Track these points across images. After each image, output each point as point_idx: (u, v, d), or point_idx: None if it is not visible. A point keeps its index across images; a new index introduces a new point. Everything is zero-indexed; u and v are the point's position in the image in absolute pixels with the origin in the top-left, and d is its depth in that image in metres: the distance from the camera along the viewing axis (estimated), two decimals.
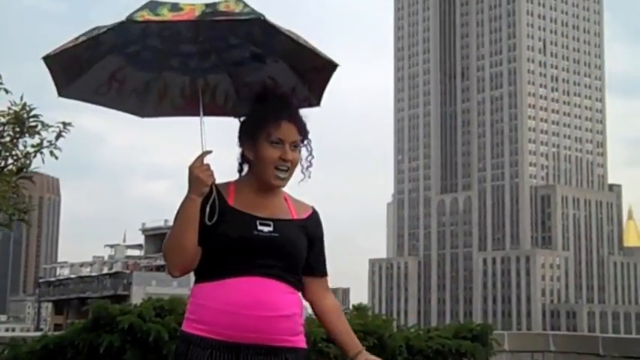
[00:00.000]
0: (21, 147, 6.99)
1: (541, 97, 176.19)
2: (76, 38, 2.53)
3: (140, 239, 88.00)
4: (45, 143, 6.95)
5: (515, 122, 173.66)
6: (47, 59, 2.58)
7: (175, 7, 2.43)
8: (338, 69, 2.58)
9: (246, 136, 2.65)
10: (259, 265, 2.52)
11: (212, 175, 2.53)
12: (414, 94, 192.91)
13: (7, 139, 6.95)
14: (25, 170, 7.00)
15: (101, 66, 2.72)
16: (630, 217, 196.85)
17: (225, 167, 2.70)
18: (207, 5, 2.43)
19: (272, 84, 2.74)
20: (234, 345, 2.48)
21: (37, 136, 6.94)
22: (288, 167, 2.59)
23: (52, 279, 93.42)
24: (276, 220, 2.59)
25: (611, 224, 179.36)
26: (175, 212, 2.55)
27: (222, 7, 2.40)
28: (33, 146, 6.96)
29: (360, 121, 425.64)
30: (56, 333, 7.35)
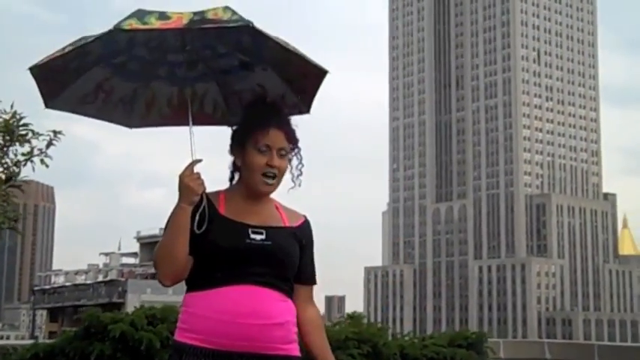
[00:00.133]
0: (11, 155, 6.96)
1: (536, 106, 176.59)
2: (63, 48, 2.50)
3: (135, 247, 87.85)
4: (35, 151, 6.93)
5: (510, 131, 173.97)
6: (33, 70, 2.56)
7: (163, 16, 2.41)
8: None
9: (236, 144, 2.64)
10: (252, 273, 2.51)
11: (202, 183, 2.51)
12: (408, 103, 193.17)
13: None
14: (14, 179, 6.97)
15: (88, 77, 2.70)
16: (625, 225, 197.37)
17: (217, 176, 2.70)
18: (195, 13, 2.41)
19: (261, 92, 2.71)
20: (227, 354, 2.46)
21: (27, 145, 6.92)
22: (275, 174, 2.59)
23: (47, 287, 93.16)
24: (269, 227, 2.58)
25: (606, 233, 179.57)
26: (166, 221, 2.54)
27: (210, 15, 2.39)
28: (23, 154, 6.93)
29: (356, 131, 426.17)
30: (47, 341, 7.33)
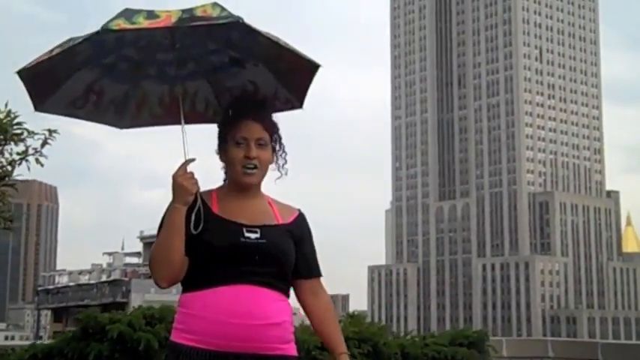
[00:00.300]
0: (7, 155, 6.93)
1: (538, 104, 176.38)
2: (51, 50, 2.47)
3: (138, 247, 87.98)
4: (30, 151, 6.89)
5: (512, 129, 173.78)
6: (22, 73, 2.53)
7: (151, 15, 2.38)
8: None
9: (219, 142, 2.64)
10: (247, 272, 2.49)
11: (196, 183, 2.50)
12: (410, 101, 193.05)
13: None
14: (8, 178, 6.93)
15: (77, 78, 2.67)
16: (629, 223, 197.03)
17: (211, 176, 2.66)
18: (183, 11, 2.39)
19: (253, 88, 2.71)
20: (223, 354, 2.45)
21: (22, 144, 6.88)
22: (254, 164, 2.57)
23: (51, 287, 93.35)
24: (263, 226, 2.56)
25: (609, 230, 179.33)
26: (159, 222, 2.52)
27: (199, 12, 2.37)
28: (18, 154, 6.90)
29: (358, 129, 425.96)
30: (45, 342, 7.25)
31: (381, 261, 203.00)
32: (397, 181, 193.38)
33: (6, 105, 6.85)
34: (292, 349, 2.54)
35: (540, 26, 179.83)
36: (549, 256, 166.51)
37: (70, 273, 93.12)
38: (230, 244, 2.50)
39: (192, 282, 2.51)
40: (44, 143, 6.88)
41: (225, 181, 2.68)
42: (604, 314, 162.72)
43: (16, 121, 6.83)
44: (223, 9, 2.37)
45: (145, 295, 62.15)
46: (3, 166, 6.91)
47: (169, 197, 2.51)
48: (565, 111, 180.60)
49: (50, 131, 6.84)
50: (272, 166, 2.66)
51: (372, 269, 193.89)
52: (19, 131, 6.88)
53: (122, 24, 2.34)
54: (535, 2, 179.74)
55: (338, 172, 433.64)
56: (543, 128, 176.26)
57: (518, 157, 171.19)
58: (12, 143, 6.92)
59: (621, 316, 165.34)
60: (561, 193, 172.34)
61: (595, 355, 9.70)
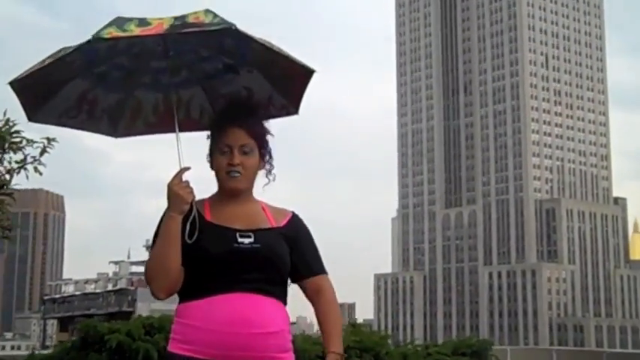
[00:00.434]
0: (6, 164, 6.88)
1: (544, 110, 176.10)
2: (43, 61, 2.46)
3: (145, 255, 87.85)
4: (29, 159, 6.86)
5: (518, 136, 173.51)
6: (13, 84, 2.52)
7: (143, 22, 2.37)
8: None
9: (209, 150, 2.62)
10: (243, 279, 2.46)
11: (192, 192, 2.48)
12: (416, 108, 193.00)
13: None
14: (5, 187, 6.88)
15: (70, 88, 2.66)
16: (636, 230, 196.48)
17: (208, 184, 2.66)
18: (176, 18, 2.38)
19: (247, 95, 2.70)
20: None
21: (20, 152, 6.84)
22: (238, 171, 2.54)
23: (57, 296, 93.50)
24: (256, 230, 2.54)
25: (616, 237, 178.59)
26: (154, 232, 2.50)
27: (191, 19, 2.35)
28: (17, 162, 6.86)
29: (365, 137, 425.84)
30: (44, 352, 7.23)
31: (388, 269, 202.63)
32: (403, 189, 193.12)
33: (4, 113, 6.84)
34: (291, 359, 2.51)
35: (546, 33, 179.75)
36: (556, 264, 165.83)
37: (76, 282, 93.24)
38: (224, 250, 2.47)
39: (188, 291, 2.49)
40: (43, 152, 6.85)
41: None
42: (611, 322, 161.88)
43: (14, 129, 6.80)
44: (216, 15, 2.36)
45: (151, 305, 62.12)
46: (1, 175, 6.86)
47: None
48: (571, 117, 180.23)
49: (49, 139, 6.81)
50: (262, 172, 2.64)
51: (378, 277, 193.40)
52: (18, 139, 6.83)
53: (114, 32, 2.32)
54: (540, 9, 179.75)
55: (344, 179, 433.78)
56: (550, 135, 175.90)
57: (525, 163, 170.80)
58: (11, 152, 6.86)
59: (629, 324, 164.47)
60: (568, 200, 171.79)
61: None
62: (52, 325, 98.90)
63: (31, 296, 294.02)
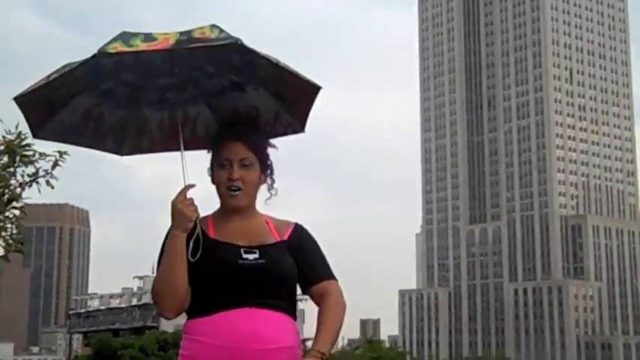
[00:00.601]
0: (19, 177, 6.86)
1: (569, 126, 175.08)
2: (48, 76, 2.44)
3: None
4: (41, 172, 6.86)
5: (543, 152, 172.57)
6: (18, 99, 2.49)
7: (149, 37, 2.35)
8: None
9: (210, 165, 2.61)
10: (250, 295, 2.44)
11: (196, 209, 2.46)
12: (440, 124, 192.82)
13: None
14: (16, 201, 6.86)
15: (75, 104, 2.63)
16: None
17: (212, 201, 2.64)
18: (181, 33, 2.35)
19: (254, 113, 2.65)
20: None
21: (32, 166, 6.84)
22: (238, 186, 2.52)
23: (82, 310, 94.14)
24: (261, 245, 2.52)
25: None
26: (159, 252, 2.50)
27: (197, 34, 2.33)
28: (29, 175, 6.87)
29: (388, 152, 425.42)
30: None
31: (412, 285, 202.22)
32: (427, 204, 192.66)
33: (16, 127, 6.81)
34: None
35: (570, 47, 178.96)
36: (583, 281, 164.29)
37: (101, 297, 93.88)
38: (229, 267, 2.45)
39: (195, 308, 2.47)
40: (55, 165, 6.84)
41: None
42: None
43: (25, 142, 6.78)
44: (222, 30, 2.33)
45: (175, 319, 62.42)
46: (14, 188, 6.82)
47: None
48: (597, 133, 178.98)
49: (61, 153, 6.82)
50: (264, 186, 2.62)
51: (402, 293, 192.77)
52: (30, 153, 6.82)
53: (119, 47, 2.30)
54: (564, 24, 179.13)
55: (367, 195, 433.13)
56: (575, 150, 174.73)
57: (550, 179, 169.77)
58: (22, 165, 6.82)
59: None
60: (594, 217, 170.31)
61: None
62: (78, 340, 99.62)
63: (57, 310, 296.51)
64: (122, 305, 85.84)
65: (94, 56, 2.30)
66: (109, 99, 2.67)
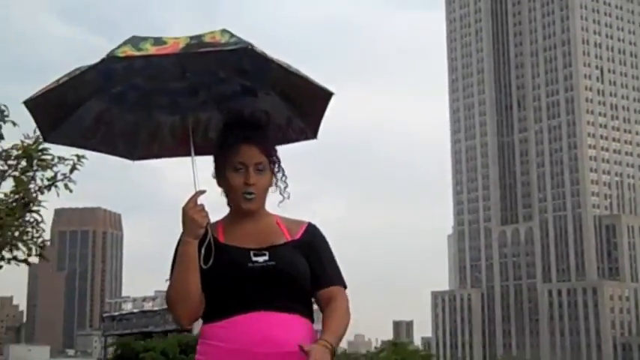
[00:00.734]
0: (38, 181, 6.91)
1: (601, 125, 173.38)
2: (58, 79, 2.43)
3: None
4: (59, 176, 6.90)
5: (574, 151, 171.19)
6: (28, 103, 2.48)
7: (159, 41, 2.34)
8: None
9: (217, 170, 2.58)
10: (263, 298, 2.43)
11: (207, 215, 2.44)
12: (470, 124, 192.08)
13: (17, 173, 6.88)
14: (32, 204, 6.93)
15: (86, 108, 2.61)
16: None
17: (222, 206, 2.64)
18: (192, 37, 2.34)
19: (266, 118, 2.65)
20: None
21: (50, 170, 6.89)
22: (253, 192, 2.51)
23: (116, 314, 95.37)
24: (271, 247, 2.50)
25: None
26: (172, 260, 2.50)
27: (207, 39, 2.31)
28: (48, 179, 6.92)
29: (418, 154, 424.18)
30: None
31: (445, 286, 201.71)
32: (458, 206, 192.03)
33: (34, 131, 6.75)
34: None
35: (600, 46, 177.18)
36: (618, 282, 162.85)
37: (134, 300, 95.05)
38: (239, 271, 2.45)
39: (211, 313, 2.47)
40: (73, 169, 6.88)
41: (228, 205, 2.61)
42: None
43: (42, 146, 6.81)
44: (232, 35, 2.31)
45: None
46: (33, 193, 6.88)
47: None
48: (629, 132, 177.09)
49: (79, 157, 6.86)
50: (272, 189, 2.60)
51: (435, 295, 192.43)
52: (48, 157, 6.85)
53: (128, 51, 2.29)
54: (594, 22, 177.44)
55: (398, 197, 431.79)
56: (607, 149, 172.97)
57: (582, 179, 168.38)
58: (40, 169, 6.86)
59: None
60: (628, 216, 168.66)
61: None
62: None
63: (91, 313, 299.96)
64: (155, 308, 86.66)
65: (102, 61, 2.29)
66: (120, 103, 2.66)
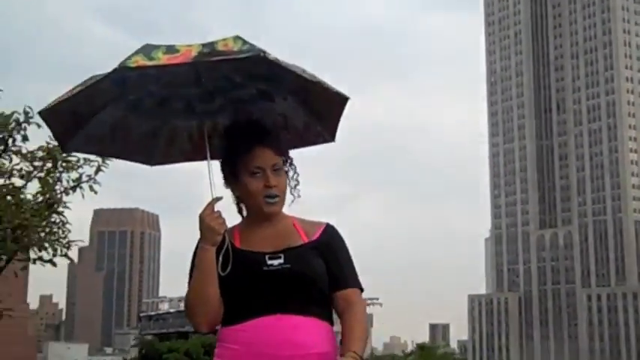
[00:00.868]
0: (64, 182, 7.01)
1: None
2: (73, 89, 2.42)
3: None
4: (84, 178, 7.00)
5: (615, 155, 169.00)
6: (43, 113, 2.48)
7: (171, 49, 2.31)
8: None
9: (229, 176, 2.55)
10: (279, 301, 2.41)
11: (224, 222, 2.43)
12: (508, 128, 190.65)
13: (42, 174, 6.96)
14: (56, 205, 7.04)
15: (102, 117, 2.59)
16: None
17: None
18: (204, 45, 2.30)
19: (283, 122, 2.66)
20: None
21: (76, 171, 6.98)
22: (276, 193, 2.49)
23: (153, 313, 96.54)
24: (287, 249, 2.48)
25: None
26: (190, 266, 2.48)
27: (220, 46, 2.29)
28: (73, 181, 7.02)
29: (456, 157, 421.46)
30: None
31: (482, 290, 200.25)
32: (496, 209, 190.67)
33: None
34: None
35: None
36: None
37: (171, 300, 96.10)
38: (254, 275, 2.43)
39: (229, 317, 2.46)
40: (98, 170, 6.97)
41: (240, 213, 2.60)
42: None
43: None
44: (245, 42, 2.28)
45: None
46: (58, 194, 6.96)
47: None
48: None
49: (103, 158, 6.86)
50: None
51: (472, 298, 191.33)
52: (73, 159, 6.93)
53: (140, 60, 2.27)
54: (637, 24, 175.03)
55: (436, 201, 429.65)
56: None
57: (623, 183, 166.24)
58: (66, 171, 6.95)
59: None
60: None
61: None
62: None
63: (129, 313, 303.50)
64: None
65: (114, 70, 2.28)
66: (136, 110, 2.64)
